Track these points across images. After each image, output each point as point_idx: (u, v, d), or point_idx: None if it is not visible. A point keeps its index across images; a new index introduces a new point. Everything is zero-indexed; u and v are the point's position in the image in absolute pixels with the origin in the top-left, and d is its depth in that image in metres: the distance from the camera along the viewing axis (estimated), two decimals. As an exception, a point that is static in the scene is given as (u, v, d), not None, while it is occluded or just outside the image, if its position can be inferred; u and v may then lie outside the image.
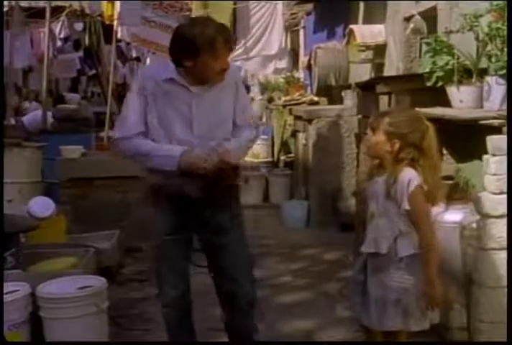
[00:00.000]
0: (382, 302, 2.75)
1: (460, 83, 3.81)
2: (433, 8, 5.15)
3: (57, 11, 10.28)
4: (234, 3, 9.04)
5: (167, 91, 2.82)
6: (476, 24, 3.73)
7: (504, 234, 3.08)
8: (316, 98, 8.25)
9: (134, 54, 13.63)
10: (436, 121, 3.72)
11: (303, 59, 9.69)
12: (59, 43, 11.08)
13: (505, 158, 3.08)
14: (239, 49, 9.24)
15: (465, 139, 3.89)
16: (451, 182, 3.80)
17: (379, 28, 6.44)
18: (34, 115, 8.93)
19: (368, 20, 6.92)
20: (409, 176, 2.70)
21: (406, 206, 2.71)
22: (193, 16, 3.84)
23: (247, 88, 10.92)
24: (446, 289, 2.87)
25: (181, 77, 2.83)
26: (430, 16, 5.19)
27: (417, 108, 3.78)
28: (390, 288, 2.74)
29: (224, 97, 2.92)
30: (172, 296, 3.01)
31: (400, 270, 2.74)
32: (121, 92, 11.75)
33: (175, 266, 2.99)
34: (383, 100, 5.11)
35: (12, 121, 8.39)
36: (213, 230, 2.95)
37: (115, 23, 8.99)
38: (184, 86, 2.84)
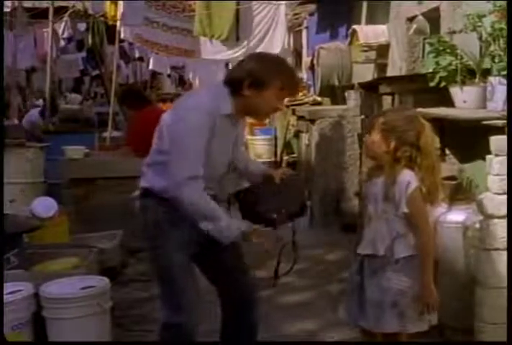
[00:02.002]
0: (379, 304, 2.75)
1: (463, 83, 3.80)
2: (436, 9, 5.15)
3: (60, 11, 10.29)
4: (237, 4, 9.03)
5: (221, 125, 2.73)
6: (479, 24, 3.73)
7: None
8: (319, 99, 8.25)
9: (137, 55, 13.64)
10: (440, 121, 3.73)
11: (305, 59, 9.67)
12: (62, 43, 11.10)
13: (508, 158, 3.08)
14: (241, 50, 9.24)
15: (468, 139, 3.89)
16: (454, 182, 3.80)
17: (382, 28, 6.44)
18: (30, 116, 8.92)
19: (371, 20, 6.92)
20: (408, 178, 2.69)
21: (404, 209, 2.70)
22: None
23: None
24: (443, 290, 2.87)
25: (234, 110, 2.78)
26: (433, 17, 5.18)
27: (420, 109, 3.79)
28: (386, 290, 2.74)
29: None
30: (194, 316, 2.84)
31: (397, 272, 2.74)
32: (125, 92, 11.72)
33: (197, 286, 2.91)
34: (386, 100, 5.11)
35: (15, 122, 8.41)
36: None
37: (118, 23, 9.00)
38: (234, 120, 2.82)
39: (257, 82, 2.70)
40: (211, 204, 2.68)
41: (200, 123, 2.66)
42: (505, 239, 3.08)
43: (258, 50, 9.12)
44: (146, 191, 2.82)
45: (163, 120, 2.81)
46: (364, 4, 7.16)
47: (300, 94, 8.63)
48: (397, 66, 6.05)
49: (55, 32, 9.55)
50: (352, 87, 6.93)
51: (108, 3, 9.59)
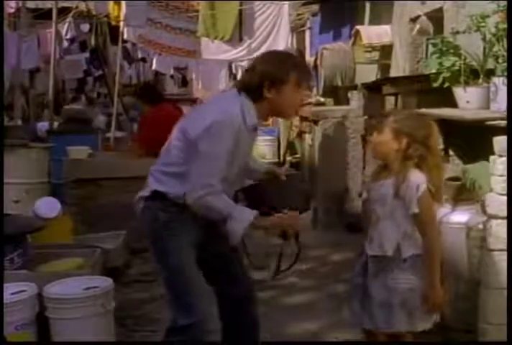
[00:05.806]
0: (388, 304, 2.75)
1: (467, 83, 3.80)
2: (440, 9, 5.15)
3: (63, 12, 10.31)
4: (240, 5, 9.05)
5: (245, 135, 2.75)
6: (483, 24, 3.73)
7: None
8: (322, 99, 8.25)
9: (140, 55, 13.64)
10: (443, 121, 3.73)
11: (309, 60, 9.67)
12: (65, 44, 11.10)
13: (512, 159, 3.08)
14: (244, 50, 9.26)
15: (472, 139, 3.89)
16: (457, 183, 3.79)
17: (385, 29, 6.44)
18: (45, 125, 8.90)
19: (374, 21, 6.92)
20: (418, 180, 2.70)
21: (416, 209, 2.70)
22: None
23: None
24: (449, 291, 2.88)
25: (259, 116, 2.80)
26: (436, 17, 5.18)
27: (424, 109, 3.79)
28: (395, 290, 2.74)
29: None
30: (209, 313, 2.81)
31: (405, 271, 2.75)
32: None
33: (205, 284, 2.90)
34: (390, 101, 5.12)
35: (19, 122, 8.41)
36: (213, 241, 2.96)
37: (121, 24, 9.02)
38: (257, 126, 2.84)
39: (275, 81, 2.70)
40: (228, 206, 2.70)
41: (228, 137, 2.66)
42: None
43: (262, 51, 9.14)
44: (159, 194, 2.80)
45: (187, 129, 2.75)
46: (368, 5, 7.17)
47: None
48: (400, 66, 6.06)
49: (58, 33, 9.55)
50: (355, 87, 6.93)
51: (111, 3, 9.63)
